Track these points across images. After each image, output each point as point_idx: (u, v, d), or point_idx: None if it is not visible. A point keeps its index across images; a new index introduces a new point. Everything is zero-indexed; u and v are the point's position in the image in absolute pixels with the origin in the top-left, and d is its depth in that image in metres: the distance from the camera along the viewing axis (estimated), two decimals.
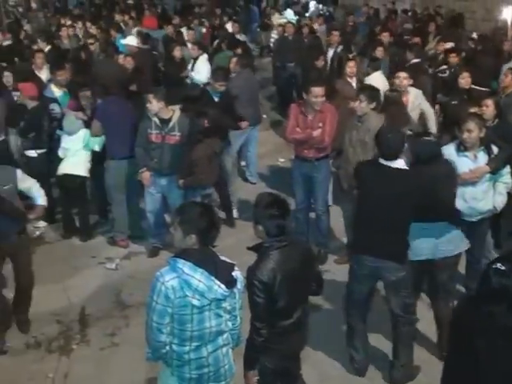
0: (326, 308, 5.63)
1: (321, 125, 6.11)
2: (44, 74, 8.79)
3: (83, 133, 6.76)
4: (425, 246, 4.66)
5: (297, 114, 6.25)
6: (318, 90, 5.97)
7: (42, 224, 7.30)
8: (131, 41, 10.67)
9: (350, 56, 9.57)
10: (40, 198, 5.42)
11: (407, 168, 4.44)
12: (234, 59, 8.45)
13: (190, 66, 10.02)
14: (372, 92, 6.00)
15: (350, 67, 8.23)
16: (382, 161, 4.42)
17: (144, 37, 11.04)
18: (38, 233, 7.20)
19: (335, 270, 6.08)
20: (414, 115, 6.86)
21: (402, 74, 6.92)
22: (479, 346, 2.93)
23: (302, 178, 6.44)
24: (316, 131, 6.10)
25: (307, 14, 20.76)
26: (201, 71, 9.75)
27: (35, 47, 10.92)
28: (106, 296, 5.98)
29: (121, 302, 5.90)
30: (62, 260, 6.65)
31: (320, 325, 4.93)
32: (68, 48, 11.65)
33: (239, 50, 9.74)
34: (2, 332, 5.23)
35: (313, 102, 6.01)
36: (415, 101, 6.97)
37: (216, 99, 7.24)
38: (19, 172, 5.28)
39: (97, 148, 6.76)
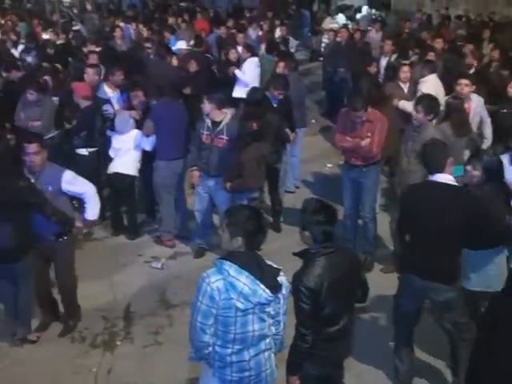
0: (371, 317, 5.55)
1: (369, 134, 6.04)
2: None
3: (134, 133, 6.86)
4: (479, 277, 4.51)
5: (346, 120, 6.20)
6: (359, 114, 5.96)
7: None
8: (182, 45, 10.89)
9: (407, 62, 9.43)
10: (90, 211, 5.35)
11: (456, 184, 4.34)
12: (282, 63, 8.44)
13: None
14: (430, 102, 5.86)
15: (404, 72, 8.11)
16: (429, 177, 4.36)
17: (200, 39, 11.21)
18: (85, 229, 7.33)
19: (381, 279, 5.98)
20: (475, 123, 6.73)
21: (464, 81, 6.78)
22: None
23: (350, 183, 6.38)
24: (364, 141, 6.04)
25: (357, 17, 20.58)
26: (247, 73, 9.78)
27: (84, 49, 11.15)
28: (150, 294, 6.04)
29: (165, 301, 5.94)
30: (108, 257, 6.75)
31: (364, 334, 4.85)
32: (122, 49, 11.81)
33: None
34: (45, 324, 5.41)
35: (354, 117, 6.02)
36: (477, 108, 6.84)
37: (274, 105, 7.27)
38: (69, 174, 5.18)
39: (148, 148, 6.85)
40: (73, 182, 5.14)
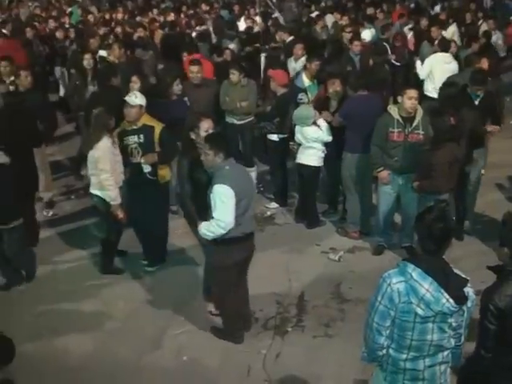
0: None
1: None
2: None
3: (320, 123, 6.83)
4: None
5: None
6: None
7: (273, 205, 7.65)
8: (367, 35, 10.74)
9: None
10: None
11: None
12: (484, 58, 7.89)
13: None
14: None
15: None
16: None
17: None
18: (268, 213, 7.54)
19: None
20: None
21: None
22: None
23: None
24: None
25: None
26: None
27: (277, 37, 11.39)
28: (325, 286, 6.02)
29: (339, 295, 5.89)
30: (287, 243, 6.85)
31: None
32: (323, 38, 11.88)
33: None
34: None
35: None
36: None
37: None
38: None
39: (327, 139, 6.81)
40: None
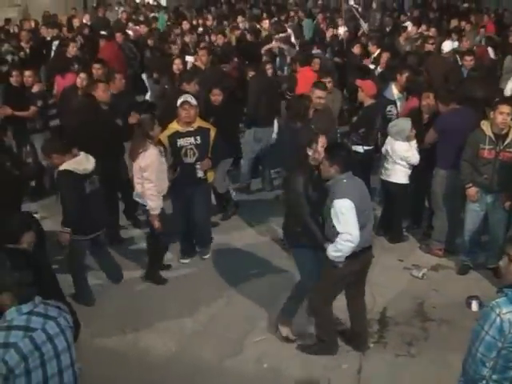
0: None
1: None
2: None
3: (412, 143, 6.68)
4: None
5: None
6: None
7: None
8: (446, 47, 10.71)
9: None
10: None
11: None
12: None
13: None
14: None
15: None
16: None
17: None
18: None
19: None
20: None
21: None
22: None
23: None
24: None
25: None
26: None
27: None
28: (407, 303, 5.90)
29: (422, 313, 5.75)
30: None
31: None
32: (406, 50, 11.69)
33: None
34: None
35: None
36: None
37: None
38: None
39: (414, 162, 6.67)
40: None
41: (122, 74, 8.20)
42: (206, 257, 6.79)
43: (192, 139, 6.19)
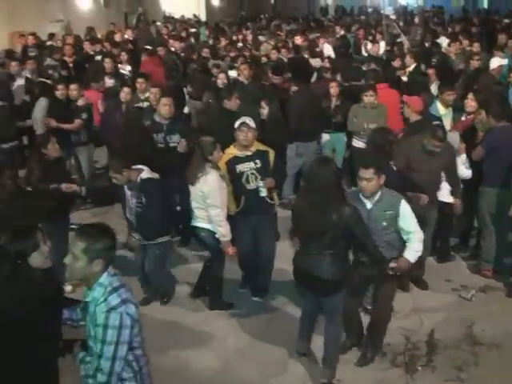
0: None
1: None
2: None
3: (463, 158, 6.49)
4: None
5: None
6: None
7: None
8: (494, 63, 10.35)
9: None
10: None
11: None
12: None
13: None
14: None
15: None
16: None
17: None
18: None
19: None
20: None
21: None
22: None
23: None
24: None
25: None
26: None
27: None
28: (456, 325, 5.71)
29: (471, 336, 5.56)
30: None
31: None
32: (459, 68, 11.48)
33: None
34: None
35: None
36: None
37: None
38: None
39: (465, 176, 6.50)
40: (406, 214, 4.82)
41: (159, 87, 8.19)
42: (258, 299, 6.28)
43: (252, 164, 5.82)
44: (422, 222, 5.25)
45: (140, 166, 5.76)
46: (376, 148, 5.64)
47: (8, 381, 3.47)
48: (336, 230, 4.47)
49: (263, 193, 5.84)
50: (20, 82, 10.45)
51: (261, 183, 5.81)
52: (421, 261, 5.75)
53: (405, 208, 4.77)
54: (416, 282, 6.36)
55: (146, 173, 5.71)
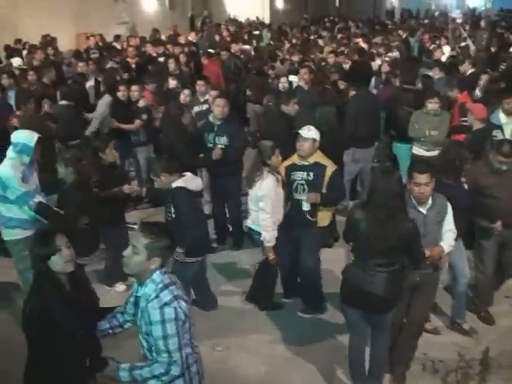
0: None
1: None
2: None
3: None
4: None
5: None
6: None
7: None
8: None
9: None
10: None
11: None
12: None
13: None
14: None
15: None
16: None
17: None
18: None
19: None
20: None
21: None
22: None
23: None
24: None
25: None
26: None
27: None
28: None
29: None
30: None
31: None
32: None
33: None
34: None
35: None
36: None
37: None
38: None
39: None
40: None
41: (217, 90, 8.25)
42: (306, 316, 6.09)
43: (304, 174, 5.68)
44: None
45: (186, 173, 5.59)
46: (446, 160, 5.39)
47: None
48: (403, 245, 4.39)
49: (305, 207, 5.69)
50: (90, 82, 10.76)
51: (305, 196, 5.69)
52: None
53: (449, 208, 4.87)
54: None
55: (180, 181, 5.45)
